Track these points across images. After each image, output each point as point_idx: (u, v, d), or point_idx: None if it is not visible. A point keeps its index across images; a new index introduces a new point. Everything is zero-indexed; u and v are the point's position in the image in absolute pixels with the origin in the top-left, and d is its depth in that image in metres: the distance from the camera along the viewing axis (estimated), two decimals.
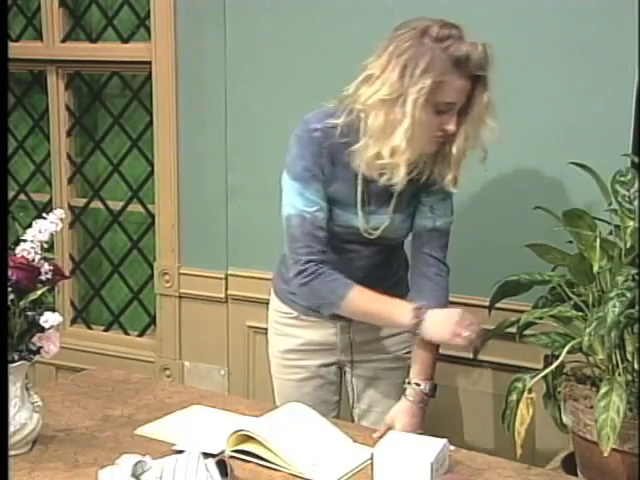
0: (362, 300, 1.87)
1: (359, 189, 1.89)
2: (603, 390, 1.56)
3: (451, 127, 1.74)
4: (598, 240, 1.67)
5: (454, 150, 1.78)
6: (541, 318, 1.74)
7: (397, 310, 1.84)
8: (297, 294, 1.95)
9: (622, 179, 1.75)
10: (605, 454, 1.51)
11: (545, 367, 1.71)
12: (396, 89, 1.71)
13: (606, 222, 1.79)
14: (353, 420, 2.13)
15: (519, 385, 1.67)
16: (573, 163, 1.85)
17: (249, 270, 2.64)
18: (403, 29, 1.76)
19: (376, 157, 1.77)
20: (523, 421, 1.63)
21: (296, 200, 1.86)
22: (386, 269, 2.02)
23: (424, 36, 1.71)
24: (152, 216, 2.91)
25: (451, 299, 2.17)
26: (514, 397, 1.66)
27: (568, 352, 1.65)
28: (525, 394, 1.63)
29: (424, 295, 1.90)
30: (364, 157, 1.79)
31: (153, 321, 3.00)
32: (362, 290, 1.86)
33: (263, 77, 2.54)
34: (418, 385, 1.88)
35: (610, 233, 1.78)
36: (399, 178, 1.77)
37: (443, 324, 1.79)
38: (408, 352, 2.02)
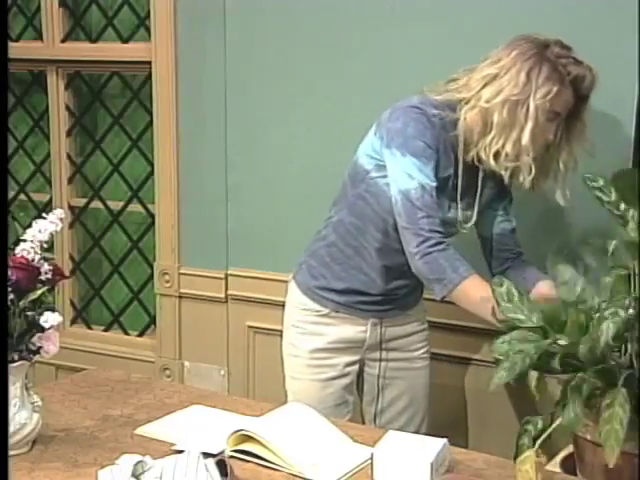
0: (481, 285, 1.83)
1: (460, 181, 1.97)
2: (606, 401, 1.55)
3: (551, 136, 1.88)
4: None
5: (561, 165, 1.92)
6: None
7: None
8: (416, 267, 1.90)
9: (594, 184, 1.68)
10: (611, 465, 1.49)
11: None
12: (523, 90, 1.82)
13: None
14: (364, 420, 2.15)
15: (530, 428, 1.63)
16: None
17: (249, 270, 2.64)
18: (523, 40, 1.87)
19: (499, 154, 1.87)
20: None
21: (416, 173, 1.88)
22: None
23: (547, 49, 1.84)
24: (152, 216, 2.91)
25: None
26: (524, 441, 1.63)
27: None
28: (532, 455, 1.58)
29: (540, 278, 1.98)
30: (489, 153, 1.88)
31: (153, 321, 3.00)
32: (480, 278, 1.87)
33: (263, 77, 2.54)
34: None
35: None
36: (529, 177, 1.87)
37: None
38: (427, 351, 2.14)
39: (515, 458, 1.64)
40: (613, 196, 1.63)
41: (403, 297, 2.10)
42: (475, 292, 1.84)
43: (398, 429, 2.04)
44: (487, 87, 1.86)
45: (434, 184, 1.90)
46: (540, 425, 1.63)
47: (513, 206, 2.10)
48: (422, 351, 2.16)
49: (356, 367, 2.12)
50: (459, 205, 2.00)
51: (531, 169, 1.86)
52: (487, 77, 1.86)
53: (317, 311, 2.08)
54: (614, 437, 1.48)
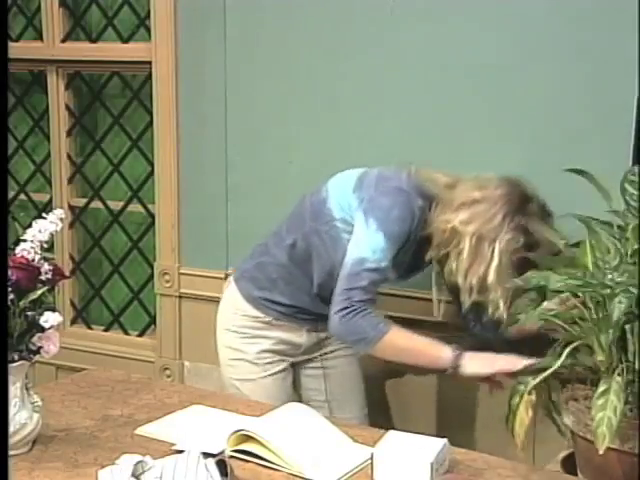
0: (402, 337, 1.93)
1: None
2: (601, 389, 1.56)
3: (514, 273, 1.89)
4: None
5: None
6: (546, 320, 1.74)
7: (436, 351, 1.90)
8: (334, 328, 1.96)
9: (633, 178, 1.75)
10: (600, 452, 1.50)
11: (545, 369, 1.70)
12: (494, 229, 1.86)
13: (608, 223, 1.78)
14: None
15: (521, 388, 1.66)
16: (570, 170, 1.84)
17: None
18: (513, 183, 1.92)
19: (466, 279, 1.90)
20: (522, 423, 1.63)
21: (380, 252, 1.92)
22: None
23: (528, 204, 1.90)
24: (152, 216, 2.91)
25: None
26: (516, 400, 1.66)
27: (569, 354, 1.65)
28: (525, 396, 1.63)
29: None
30: (459, 268, 1.90)
31: (153, 321, 3.00)
32: (400, 328, 1.93)
33: (263, 77, 2.54)
34: None
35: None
36: (497, 312, 1.89)
37: (483, 360, 1.87)
38: None
39: (507, 417, 1.66)
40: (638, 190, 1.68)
41: None
42: (401, 341, 1.92)
43: (347, 416, 2.18)
44: (464, 209, 1.89)
45: (389, 266, 1.94)
46: (530, 383, 1.65)
47: None
48: None
49: (298, 362, 2.23)
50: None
51: (498, 306, 1.87)
52: (468, 198, 1.90)
53: (257, 317, 2.16)
54: (606, 424, 1.49)
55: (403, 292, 2.30)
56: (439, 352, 1.88)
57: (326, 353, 2.25)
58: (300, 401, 2.16)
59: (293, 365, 2.23)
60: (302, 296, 2.13)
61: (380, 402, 2.47)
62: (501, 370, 1.84)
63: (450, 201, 1.93)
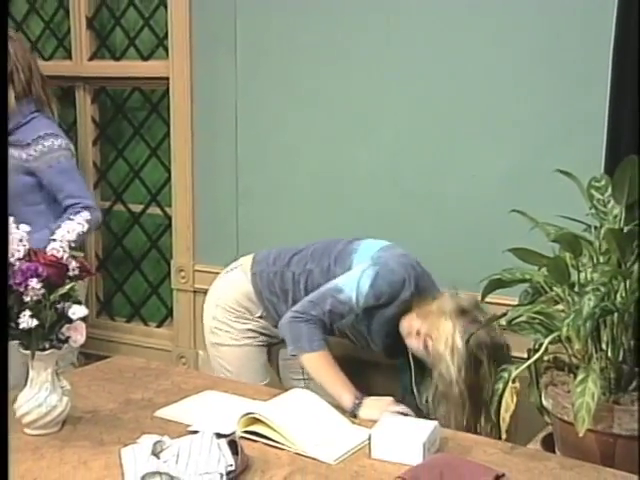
0: (322, 365, 1.92)
1: None
2: (580, 377, 1.56)
3: None
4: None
5: None
6: (522, 315, 1.74)
7: (342, 390, 1.86)
8: (281, 324, 1.98)
9: (597, 184, 1.74)
10: (580, 434, 1.51)
11: (528, 358, 1.70)
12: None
13: (586, 224, 1.78)
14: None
15: (505, 375, 1.66)
16: (559, 171, 1.84)
17: None
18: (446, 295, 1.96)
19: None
20: (507, 408, 1.62)
21: (358, 293, 1.94)
22: None
23: (466, 314, 1.91)
24: (169, 218, 2.91)
25: None
26: (500, 386, 1.66)
27: (549, 343, 1.65)
28: (510, 384, 1.62)
29: None
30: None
31: (170, 313, 2.99)
32: (328, 357, 1.92)
33: (270, 90, 2.54)
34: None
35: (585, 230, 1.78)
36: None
37: (379, 407, 1.81)
38: None
39: (490, 400, 1.66)
40: (606, 194, 1.67)
41: None
42: (320, 367, 1.92)
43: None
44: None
45: (356, 310, 1.96)
46: (513, 371, 1.65)
47: None
48: None
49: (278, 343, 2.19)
50: None
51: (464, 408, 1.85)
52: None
53: (254, 311, 2.18)
54: (585, 409, 1.51)
55: None
56: (342, 394, 1.84)
57: None
58: (279, 377, 2.19)
59: (271, 345, 2.22)
60: None
61: (379, 387, 2.46)
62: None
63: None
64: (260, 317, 2.19)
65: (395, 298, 1.98)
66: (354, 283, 1.96)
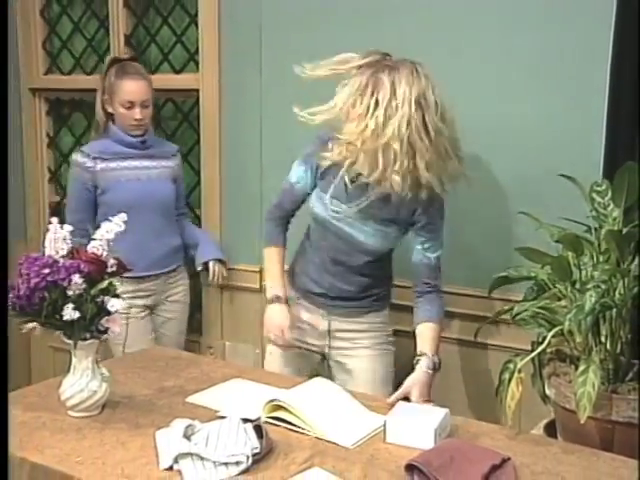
0: (270, 255, 2.10)
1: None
2: (581, 368, 1.56)
3: None
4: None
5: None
6: (527, 310, 1.74)
7: (270, 283, 2.07)
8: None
9: (598, 189, 1.74)
10: (582, 421, 1.51)
11: (532, 350, 1.70)
12: None
13: (587, 225, 1.78)
14: None
15: (510, 366, 1.66)
16: (563, 175, 1.83)
17: None
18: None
19: None
20: (513, 397, 1.62)
21: (293, 171, 2.07)
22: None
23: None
24: (198, 218, 2.92)
25: (457, 291, 2.18)
26: (506, 376, 1.66)
27: (552, 336, 1.65)
28: (516, 374, 1.62)
29: (419, 314, 1.96)
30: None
31: (199, 308, 3.01)
32: (278, 251, 2.10)
33: (293, 102, 2.53)
34: (433, 356, 1.89)
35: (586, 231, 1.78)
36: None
37: (268, 319, 2.03)
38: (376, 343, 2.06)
39: (497, 389, 1.66)
40: (606, 198, 1.67)
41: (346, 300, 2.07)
42: (268, 258, 2.11)
43: None
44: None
45: (301, 185, 2.04)
46: (519, 362, 1.65)
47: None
48: (375, 349, 2.07)
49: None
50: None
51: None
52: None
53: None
54: (587, 398, 1.51)
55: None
56: (269, 286, 2.06)
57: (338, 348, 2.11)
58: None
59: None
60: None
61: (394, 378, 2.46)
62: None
63: None
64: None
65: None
66: (290, 172, 2.06)
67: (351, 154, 1.84)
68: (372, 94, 1.77)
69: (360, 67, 1.83)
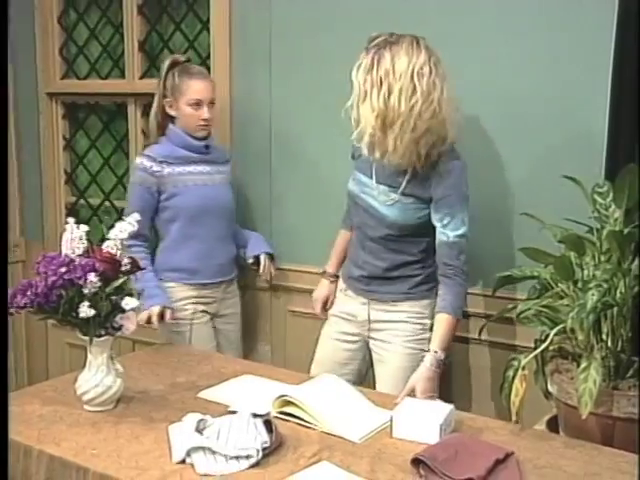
0: (337, 236, 2.29)
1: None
2: (583, 365, 1.56)
3: None
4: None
5: None
6: (530, 308, 1.74)
7: (330, 259, 2.30)
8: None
9: (600, 190, 1.74)
10: (583, 417, 1.51)
11: (536, 348, 1.70)
12: None
13: (589, 226, 1.77)
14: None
15: (515, 363, 1.66)
16: (565, 177, 1.83)
17: (290, 264, 2.64)
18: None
19: None
20: (517, 393, 1.62)
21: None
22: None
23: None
24: None
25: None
26: (510, 373, 1.66)
27: (555, 334, 1.65)
28: (520, 371, 1.62)
29: (438, 301, 1.97)
30: None
31: None
32: (343, 234, 2.26)
33: (302, 106, 2.55)
34: (436, 353, 1.89)
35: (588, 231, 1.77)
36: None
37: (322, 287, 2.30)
38: (408, 341, 2.04)
39: (501, 386, 1.66)
40: (608, 199, 1.67)
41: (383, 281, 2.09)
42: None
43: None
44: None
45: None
46: (522, 360, 1.65)
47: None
48: (410, 344, 2.05)
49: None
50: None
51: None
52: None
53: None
54: (588, 394, 1.51)
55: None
56: (328, 263, 2.30)
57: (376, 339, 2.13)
58: None
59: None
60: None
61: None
62: None
63: None
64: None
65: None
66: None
67: (364, 131, 1.94)
68: (377, 71, 1.88)
69: (367, 49, 1.93)
